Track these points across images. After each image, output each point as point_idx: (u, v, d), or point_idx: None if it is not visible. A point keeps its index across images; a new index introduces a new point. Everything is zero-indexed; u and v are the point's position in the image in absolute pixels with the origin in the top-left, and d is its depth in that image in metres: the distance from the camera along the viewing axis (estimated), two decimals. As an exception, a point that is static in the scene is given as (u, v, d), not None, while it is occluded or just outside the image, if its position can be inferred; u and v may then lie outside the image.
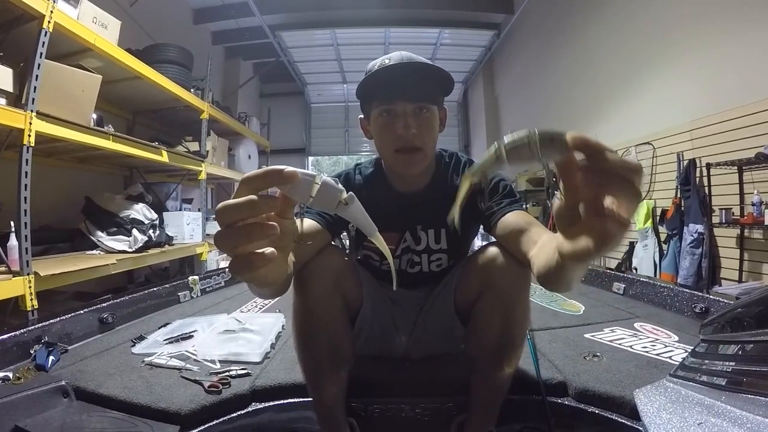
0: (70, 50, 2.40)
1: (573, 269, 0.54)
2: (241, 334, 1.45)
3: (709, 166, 2.89)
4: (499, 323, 0.91)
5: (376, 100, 0.96)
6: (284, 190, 0.43)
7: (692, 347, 0.95)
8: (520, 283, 0.89)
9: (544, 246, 0.70)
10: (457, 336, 1.09)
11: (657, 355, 1.23)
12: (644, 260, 3.61)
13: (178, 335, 1.45)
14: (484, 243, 1.00)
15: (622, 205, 0.39)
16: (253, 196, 0.40)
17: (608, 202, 0.39)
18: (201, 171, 3.79)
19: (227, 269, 0.41)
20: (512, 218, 0.89)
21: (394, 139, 0.94)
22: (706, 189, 2.95)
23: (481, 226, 1.04)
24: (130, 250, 2.74)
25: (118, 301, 1.72)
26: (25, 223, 1.85)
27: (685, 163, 3.15)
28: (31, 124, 1.89)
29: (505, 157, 0.43)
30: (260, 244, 0.41)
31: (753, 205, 2.57)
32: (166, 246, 3.16)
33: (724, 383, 0.74)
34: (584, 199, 0.41)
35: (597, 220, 0.39)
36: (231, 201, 0.40)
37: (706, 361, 0.85)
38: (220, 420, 1.00)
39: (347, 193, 0.46)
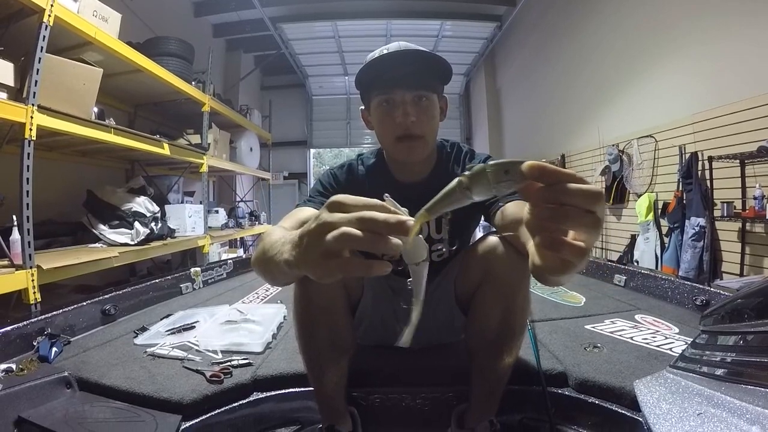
0: (71, 44, 2.39)
1: (549, 278, 0.50)
2: (243, 325, 1.46)
3: (711, 159, 2.87)
4: (499, 313, 0.91)
5: (375, 90, 0.96)
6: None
7: (692, 339, 0.95)
8: (519, 273, 0.88)
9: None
10: (457, 326, 1.10)
11: (657, 346, 1.23)
12: (645, 253, 3.61)
13: (180, 326, 1.46)
14: (484, 233, 1.00)
15: (581, 234, 0.38)
16: (394, 218, 0.44)
17: (570, 234, 0.39)
18: (203, 164, 3.79)
19: (339, 266, 0.43)
20: (512, 208, 0.89)
21: (394, 128, 0.94)
22: (708, 182, 2.93)
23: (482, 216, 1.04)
24: (132, 242, 2.75)
25: (121, 292, 1.73)
26: (28, 217, 1.86)
27: (687, 156, 3.13)
28: (32, 118, 1.89)
29: (470, 192, 0.42)
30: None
31: (755, 198, 2.55)
32: (168, 239, 3.17)
33: (723, 374, 0.74)
34: (545, 227, 0.40)
35: (557, 248, 0.39)
36: (378, 214, 0.44)
37: (707, 352, 0.86)
38: (222, 409, 1.01)
39: (426, 255, 0.51)
